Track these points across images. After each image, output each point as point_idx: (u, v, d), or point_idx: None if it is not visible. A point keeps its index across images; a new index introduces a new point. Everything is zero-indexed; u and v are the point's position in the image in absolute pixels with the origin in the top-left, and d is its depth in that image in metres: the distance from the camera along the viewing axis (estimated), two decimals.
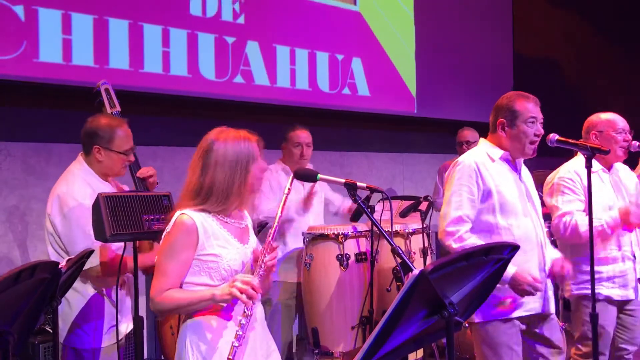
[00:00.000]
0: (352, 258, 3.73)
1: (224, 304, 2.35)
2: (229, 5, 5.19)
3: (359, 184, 2.83)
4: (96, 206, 2.79)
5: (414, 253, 3.91)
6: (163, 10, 4.84)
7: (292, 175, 2.84)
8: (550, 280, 3.16)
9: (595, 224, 3.30)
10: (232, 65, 5.20)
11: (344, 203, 4.59)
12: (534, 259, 3.07)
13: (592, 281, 3.15)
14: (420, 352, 3.94)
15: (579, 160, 3.57)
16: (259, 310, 2.46)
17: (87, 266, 2.83)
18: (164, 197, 2.99)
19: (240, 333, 2.27)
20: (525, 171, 3.24)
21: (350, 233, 3.76)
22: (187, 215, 2.33)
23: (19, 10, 4.15)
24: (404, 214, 4.03)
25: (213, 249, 2.35)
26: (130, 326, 3.16)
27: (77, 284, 2.91)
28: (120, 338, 3.13)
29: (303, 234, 4.00)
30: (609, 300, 3.51)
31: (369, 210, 2.98)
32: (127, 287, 3.24)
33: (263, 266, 2.36)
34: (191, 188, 2.38)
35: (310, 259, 3.81)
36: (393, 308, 1.77)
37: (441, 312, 1.88)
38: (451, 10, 7.10)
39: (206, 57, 5.05)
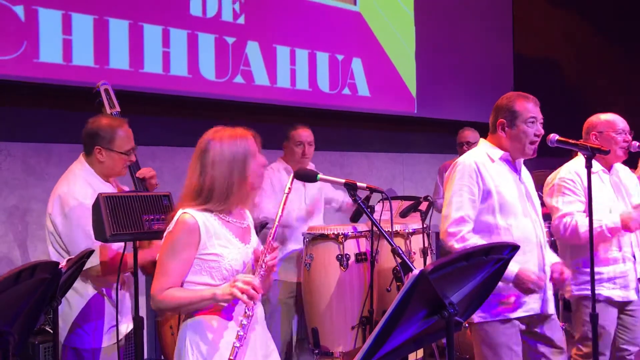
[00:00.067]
0: (352, 258, 3.73)
1: (225, 304, 2.35)
2: (229, 6, 5.20)
3: (359, 184, 2.83)
4: (96, 206, 2.79)
5: (414, 253, 3.91)
6: (163, 11, 4.84)
7: (292, 176, 2.83)
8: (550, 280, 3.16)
9: (595, 225, 3.30)
10: (232, 66, 5.20)
11: (346, 198, 4.58)
12: (534, 259, 3.07)
13: (592, 282, 3.15)
14: (420, 352, 3.94)
15: (579, 160, 3.57)
16: (259, 310, 2.46)
17: (87, 265, 2.83)
18: (164, 197, 2.99)
19: (242, 333, 2.27)
20: (525, 172, 3.24)
21: (350, 233, 3.76)
22: (190, 214, 2.33)
23: (19, 10, 4.16)
24: (404, 214, 4.03)
25: (215, 248, 2.35)
26: (130, 326, 3.17)
27: (77, 284, 2.91)
28: (120, 338, 3.13)
29: (303, 234, 4.00)
30: (609, 301, 3.51)
31: (369, 210, 2.98)
32: (127, 287, 3.25)
33: (264, 266, 2.36)
34: (192, 189, 2.38)
35: (310, 259, 3.81)
36: (393, 308, 1.77)
37: (441, 312, 1.88)
38: (451, 11, 7.10)
39: (206, 57, 5.05)
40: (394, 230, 3.58)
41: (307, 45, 5.75)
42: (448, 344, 1.97)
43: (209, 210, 2.37)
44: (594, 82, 8.01)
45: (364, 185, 2.87)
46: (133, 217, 2.85)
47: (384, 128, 6.68)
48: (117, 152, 3.13)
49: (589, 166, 3.18)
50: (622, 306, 3.58)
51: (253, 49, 5.34)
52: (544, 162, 4.32)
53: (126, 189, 3.36)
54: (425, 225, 4.00)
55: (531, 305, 3.06)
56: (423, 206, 4.04)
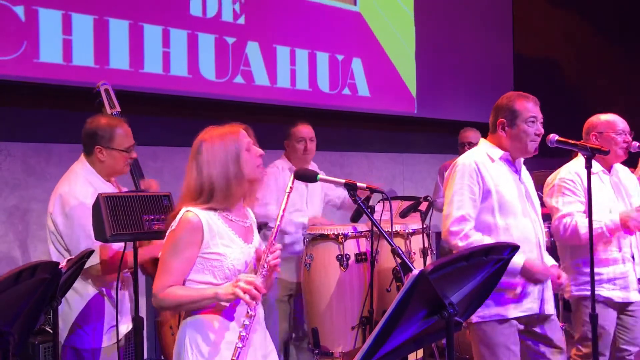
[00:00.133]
0: (352, 258, 3.73)
1: (226, 304, 2.35)
2: (229, 6, 5.20)
3: (359, 184, 2.83)
4: (96, 206, 2.80)
5: (414, 253, 3.91)
6: (163, 11, 4.84)
7: (292, 176, 2.83)
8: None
9: (595, 226, 3.30)
10: (232, 66, 5.21)
11: (347, 196, 4.59)
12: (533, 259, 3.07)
13: (592, 282, 3.15)
14: (420, 353, 3.94)
15: (579, 161, 3.57)
16: (259, 310, 2.46)
17: (87, 265, 2.83)
18: (164, 197, 2.99)
19: (244, 334, 2.26)
20: (525, 172, 3.24)
21: (350, 233, 3.76)
22: (193, 212, 2.34)
23: (19, 10, 4.16)
24: (404, 214, 4.03)
25: (217, 247, 2.35)
26: (130, 326, 3.17)
27: (77, 284, 2.91)
28: (119, 338, 3.13)
29: (303, 234, 4.00)
30: (609, 302, 3.51)
31: (369, 210, 2.98)
32: (126, 287, 3.25)
33: (266, 266, 2.36)
34: (191, 190, 2.39)
35: (310, 259, 3.81)
36: (393, 308, 1.77)
37: (441, 313, 1.88)
38: (451, 11, 7.10)
39: (206, 57, 5.06)
40: (393, 230, 3.58)
41: (307, 46, 5.75)
42: (448, 344, 1.97)
43: (212, 208, 2.37)
44: (594, 82, 8.01)
45: (364, 185, 2.87)
46: (133, 217, 2.85)
47: (384, 128, 6.68)
48: (117, 150, 3.14)
49: (588, 167, 3.18)
50: (622, 307, 3.58)
51: (253, 49, 5.34)
52: (543, 162, 4.32)
53: (125, 189, 3.37)
54: (425, 226, 4.00)
55: (529, 304, 3.06)
56: (423, 206, 4.04)
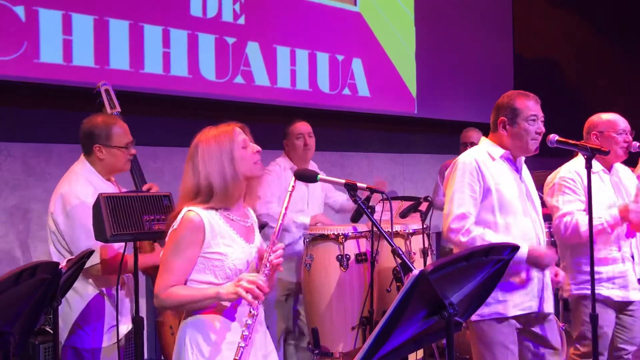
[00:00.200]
0: (352, 258, 3.73)
1: (228, 304, 2.35)
2: (230, 6, 5.20)
3: (359, 184, 2.83)
4: (97, 206, 2.80)
5: (414, 253, 3.90)
6: (163, 11, 4.84)
7: (293, 176, 2.83)
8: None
9: (595, 222, 3.30)
10: (233, 66, 5.21)
11: (346, 200, 4.59)
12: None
13: (592, 281, 3.16)
14: (420, 353, 3.94)
15: (579, 160, 3.57)
16: (260, 310, 2.46)
17: (87, 264, 2.84)
18: (165, 197, 2.99)
19: (247, 333, 2.26)
20: (526, 171, 3.24)
21: (350, 233, 3.76)
22: (195, 212, 2.34)
23: (20, 10, 4.16)
24: (404, 214, 4.03)
25: (219, 247, 2.35)
26: (130, 326, 3.17)
27: (77, 284, 2.91)
28: (119, 338, 3.13)
29: (303, 234, 4.01)
30: (608, 301, 3.51)
31: (369, 210, 2.98)
32: (127, 287, 3.25)
33: (268, 265, 2.36)
34: (189, 190, 2.40)
35: (310, 260, 3.81)
36: (393, 308, 1.77)
37: (441, 313, 1.89)
38: (451, 11, 7.10)
39: (206, 57, 5.06)
40: (394, 230, 3.58)
41: (307, 46, 5.75)
42: (448, 344, 1.97)
43: (213, 208, 2.37)
44: (594, 82, 8.02)
45: (364, 185, 2.87)
46: (133, 217, 2.85)
47: (384, 128, 6.68)
48: (116, 147, 3.14)
49: (588, 167, 3.18)
50: (621, 306, 3.58)
51: (253, 50, 5.34)
52: (544, 162, 4.32)
53: (125, 190, 3.37)
54: (425, 226, 3.99)
55: (527, 303, 3.07)
56: (423, 207, 4.04)
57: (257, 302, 2.27)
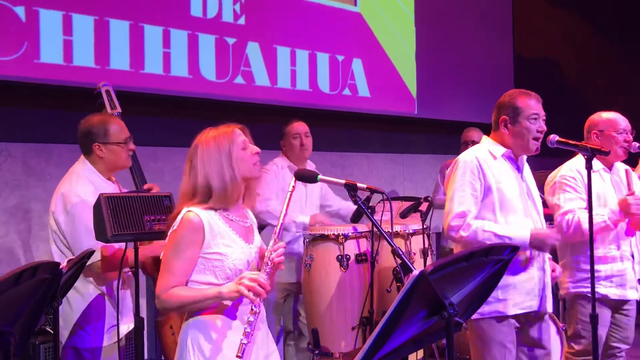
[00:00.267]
0: (352, 259, 3.73)
1: (229, 303, 2.36)
2: (230, 6, 5.20)
3: (359, 184, 2.84)
4: (97, 206, 2.80)
5: (414, 254, 3.90)
6: (164, 11, 4.85)
7: (293, 176, 2.84)
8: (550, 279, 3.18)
9: (597, 220, 3.31)
10: (233, 66, 5.21)
11: (342, 206, 4.59)
12: (533, 258, 3.08)
13: (592, 282, 3.16)
14: (420, 353, 3.94)
15: (580, 159, 3.57)
16: (262, 310, 2.46)
17: (88, 262, 2.84)
18: (165, 197, 3.00)
19: (249, 330, 2.27)
20: (527, 170, 3.24)
21: (350, 234, 3.76)
22: (194, 212, 2.34)
23: (20, 11, 4.16)
24: (404, 214, 4.03)
25: (218, 247, 2.36)
26: (131, 326, 3.17)
27: (78, 283, 2.91)
28: (120, 337, 3.13)
29: (303, 234, 4.01)
30: (605, 299, 3.51)
31: (369, 211, 2.98)
32: (127, 286, 3.25)
33: (270, 263, 2.37)
34: (188, 190, 2.41)
35: (310, 260, 3.81)
36: (393, 309, 1.77)
37: (441, 313, 1.89)
38: (451, 11, 7.10)
39: (207, 58, 5.06)
40: (394, 231, 3.58)
41: (308, 46, 5.75)
42: (448, 345, 1.97)
43: (212, 208, 2.38)
44: (594, 82, 8.02)
45: (364, 186, 2.88)
46: (134, 217, 2.86)
47: (384, 129, 6.68)
48: (115, 144, 3.15)
49: (589, 167, 3.18)
50: (617, 305, 3.58)
51: (253, 50, 5.35)
52: (545, 162, 4.33)
53: (126, 190, 3.38)
54: (425, 226, 3.99)
55: (528, 302, 3.07)
56: (423, 207, 4.04)
57: (258, 299, 2.27)
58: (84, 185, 3.09)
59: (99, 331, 3.10)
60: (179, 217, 2.36)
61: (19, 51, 4.17)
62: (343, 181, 2.83)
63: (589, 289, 3.26)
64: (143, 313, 3.52)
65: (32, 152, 4.44)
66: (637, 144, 3.73)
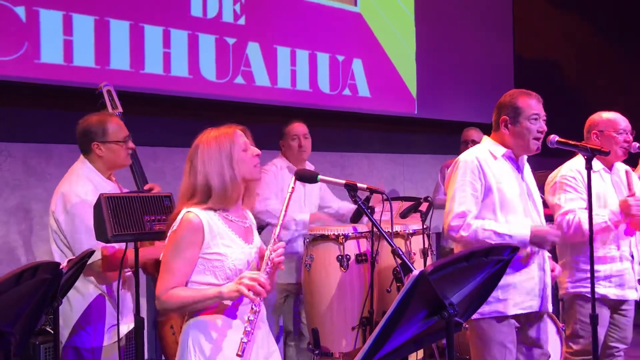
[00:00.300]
0: (353, 259, 3.73)
1: (229, 303, 2.36)
2: (230, 7, 5.20)
3: (359, 184, 2.84)
4: (98, 207, 2.80)
5: (414, 254, 3.91)
6: (164, 11, 4.85)
7: (293, 176, 2.84)
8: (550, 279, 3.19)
9: (598, 220, 3.31)
10: (233, 66, 5.21)
11: (341, 206, 4.59)
12: (534, 257, 3.09)
13: (592, 282, 3.16)
14: (420, 353, 3.94)
15: (580, 159, 3.56)
16: (262, 309, 2.46)
17: (89, 261, 2.84)
18: (165, 197, 3.00)
19: (249, 329, 2.27)
20: (527, 170, 3.24)
21: (350, 234, 3.76)
22: (194, 213, 2.35)
23: (20, 11, 4.16)
24: (404, 214, 4.03)
25: (218, 248, 2.36)
26: (131, 326, 3.17)
27: (78, 283, 2.91)
28: (120, 337, 3.14)
29: (304, 235, 4.01)
30: (604, 299, 3.51)
31: (369, 211, 2.98)
32: (127, 286, 3.26)
33: (270, 263, 2.37)
34: (186, 189, 2.42)
35: (310, 260, 3.81)
36: (393, 309, 1.77)
37: (441, 313, 1.89)
38: (451, 11, 7.10)
39: (207, 58, 5.06)
40: (394, 231, 3.58)
41: (308, 46, 5.76)
42: (448, 345, 1.97)
43: (211, 208, 2.38)
44: (594, 82, 8.02)
45: (364, 186, 2.88)
46: (134, 217, 2.86)
47: (384, 129, 6.68)
48: (114, 143, 3.16)
49: (588, 167, 3.18)
50: (616, 305, 3.58)
51: (253, 50, 5.35)
52: (545, 162, 4.33)
53: (126, 190, 3.38)
54: (425, 226, 3.99)
55: (529, 302, 3.07)
56: (423, 207, 4.04)
57: (258, 299, 2.27)
58: (83, 184, 3.10)
59: (99, 331, 3.10)
60: (179, 217, 2.37)
61: (19, 51, 4.18)
62: (343, 181, 2.83)
63: (588, 289, 3.26)
64: (143, 313, 3.52)
65: (32, 152, 4.44)
66: (637, 144, 3.73)
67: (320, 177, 2.89)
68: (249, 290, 2.25)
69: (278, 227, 2.46)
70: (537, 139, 3.11)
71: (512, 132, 3.12)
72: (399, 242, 3.83)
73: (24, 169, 4.41)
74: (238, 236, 2.43)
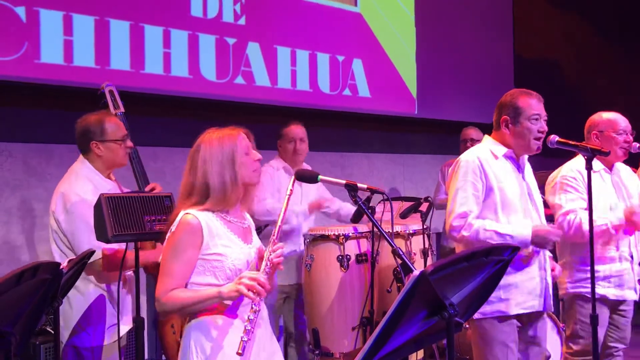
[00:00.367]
0: (353, 259, 3.73)
1: (229, 303, 2.36)
2: (230, 7, 5.20)
3: (359, 185, 2.84)
4: (98, 207, 2.81)
5: (415, 254, 3.91)
6: (164, 11, 4.85)
7: (293, 177, 2.84)
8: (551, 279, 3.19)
9: (600, 222, 3.31)
10: (233, 66, 5.21)
11: (341, 207, 4.59)
12: (536, 257, 3.09)
13: (593, 282, 3.15)
14: (420, 353, 3.94)
15: (580, 159, 3.56)
16: (263, 308, 2.46)
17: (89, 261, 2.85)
18: (166, 197, 3.00)
19: (249, 328, 2.27)
20: (528, 170, 3.24)
21: (350, 234, 3.76)
22: (192, 214, 2.35)
23: (21, 11, 4.16)
24: (404, 215, 4.03)
25: (217, 248, 2.36)
26: (132, 325, 3.17)
27: (79, 283, 2.92)
28: (120, 336, 3.14)
29: (304, 235, 4.01)
30: (603, 299, 3.51)
31: (370, 211, 2.98)
32: (128, 285, 3.26)
33: (269, 263, 2.37)
34: (184, 188, 2.42)
35: (310, 260, 3.81)
36: (394, 309, 1.77)
37: (441, 313, 1.89)
38: (452, 11, 7.10)
39: (207, 58, 5.06)
40: (394, 231, 3.58)
41: (308, 46, 5.76)
42: (448, 345, 1.97)
43: (209, 210, 2.38)
44: (594, 82, 8.02)
45: (365, 186, 2.88)
46: (135, 217, 2.86)
47: (384, 129, 6.68)
48: (112, 142, 3.16)
49: (589, 167, 3.18)
50: (615, 305, 3.59)
51: (254, 50, 5.35)
52: (545, 163, 4.33)
53: (126, 190, 3.38)
54: (425, 226, 4.00)
55: (531, 302, 3.07)
56: (424, 207, 4.04)
57: (258, 298, 2.27)
58: (83, 184, 3.10)
59: (99, 330, 3.10)
60: (177, 219, 2.37)
61: (20, 51, 4.18)
62: (343, 181, 2.83)
63: (588, 289, 3.26)
64: (143, 313, 3.52)
65: (32, 152, 4.44)
66: (638, 145, 3.73)
67: (320, 177, 2.89)
68: (248, 290, 2.25)
69: (277, 229, 2.46)
70: (538, 139, 3.10)
71: (513, 132, 3.12)
72: (400, 242, 3.83)
73: (24, 169, 4.41)
74: (237, 236, 2.43)
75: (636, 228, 3.50)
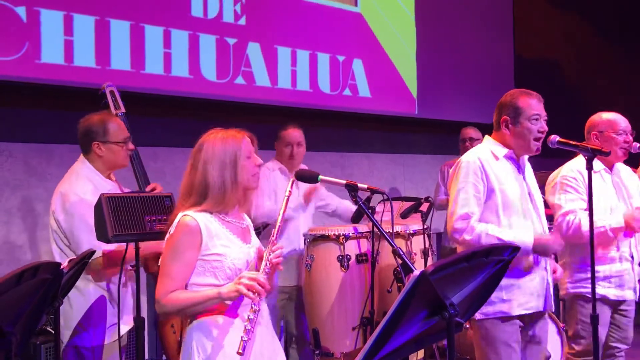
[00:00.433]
0: (353, 259, 3.73)
1: (229, 303, 2.36)
2: (230, 7, 5.20)
3: (359, 185, 2.84)
4: (98, 207, 2.81)
5: (415, 254, 3.91)
6: (164, 12, 4.85)
7: (292, 178, 2.84)
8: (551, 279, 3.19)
9: (599, 224, 3.30)
10: (233, 67, 5.21)
11: (340, 204, 4.58)
12: (535, 257, 3.08)
13: (593, 282, 3.15)
14: (421, 353, 3.94)
15: (580, 159, 3.56)
16: (264, 308, 2.46)
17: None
18: (166, 197, 3.00)
19: (249, 327, 2.27)
20: (529, 170, 3.24)
21: (351, 234, 3.76)
22: (190, 216, 2.35)
23: (21, 11, 4.17)
24: (404, 215, 4.03)
25: (217, 248, 2.36)
26: (132, 325, 3.18)
27: (79, 282, 2.92)
28: (121, 336, 3.14)
29: (304, 235, 4.01)
30: (604, 299, 3.51)
31: (370, 211, 2.98)
32: (128, 285, 3.26)
33: (268, 264, 2.37)
34: (184, 187, 2.42)
35: (311, 260, 3.82)
36: (394, 309, 1.77)
37: (442, 313, 1.89)
38: (452, 11, 7.10)
39: (207, 58, 5.06)
40: (394, 231, 3.58)
41: (308, 46, 5.76)
42: (449, 345, 1.97)
43: (207, 210, 2.38)
44: (594, 82, 8.02)
45: (365, 186, 2.88)
46: (135, 217, 2.86)
47: (384, 129, 6.68)
48: (114, 143, 3.17)
49: (589, 168, 3.18)
50: (616, 305, 3.59)
51: (254, 50, 5.35)
52: (546, 163, 4.33)
53: (127, 190, 3.38)
54: (426, 226, 4.00)
55: (533, 303, 3.07)
56: (424, 207, 4.04)
57: (258, 298, 2.27)
58: (83, 184, 3.11)
59: (99, 330, 3.11)
60: (175, 221, 2.37)
61: (20, 51, 4.18)
62: (344, 181, 2.84)
63: (589, 290, 3.26)
64: (144, 313, 3.52)
65: (33, 153, 4.44)
66: (638, 145, 3.73)
67: (320, 177, 2.89)
68: (248, 289, 2.25)
69: (276, 229, 2.46)
70: (538, 139, 3.10)
71: (513, 133, 3.12)
72: (400, 243, 3.84)
73: (24, 169, 4.41)
74: (236, 236, 2.43)
75: (635, 232, 3.50)
